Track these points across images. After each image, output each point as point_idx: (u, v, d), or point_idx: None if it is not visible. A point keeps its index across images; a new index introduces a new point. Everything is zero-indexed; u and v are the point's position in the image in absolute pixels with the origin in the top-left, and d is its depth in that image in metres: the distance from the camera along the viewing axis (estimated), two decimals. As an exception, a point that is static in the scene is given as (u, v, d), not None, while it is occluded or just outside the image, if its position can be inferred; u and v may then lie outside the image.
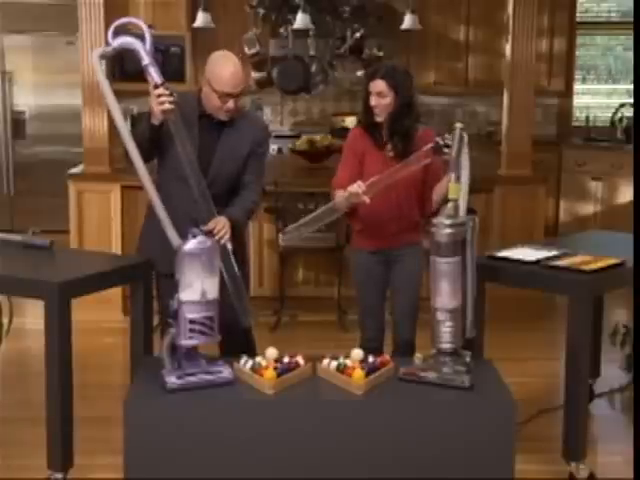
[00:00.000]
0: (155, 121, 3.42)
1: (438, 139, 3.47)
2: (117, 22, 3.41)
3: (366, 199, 3.54)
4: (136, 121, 8.13)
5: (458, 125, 3.35)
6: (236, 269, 3.52)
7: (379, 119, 3.76)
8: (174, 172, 3.53)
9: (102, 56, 3.39)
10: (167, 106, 3.34)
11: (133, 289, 3.68)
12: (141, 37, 3.36)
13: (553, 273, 3.61)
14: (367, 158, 3.81)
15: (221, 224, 3.46)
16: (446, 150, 3.41)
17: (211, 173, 3.58)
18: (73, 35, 6.63)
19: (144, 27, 3.41)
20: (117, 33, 3.37)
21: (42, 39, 8.26)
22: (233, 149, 3.64)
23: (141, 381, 3.22)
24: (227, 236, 3.47)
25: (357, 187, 3.55)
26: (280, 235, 3.71)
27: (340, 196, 3.65)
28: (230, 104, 3.53)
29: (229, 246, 3.48)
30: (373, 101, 3.72)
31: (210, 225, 3.42)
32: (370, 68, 3.84)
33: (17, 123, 8.42)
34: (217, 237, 3.40)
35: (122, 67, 7.38)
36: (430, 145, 3.48)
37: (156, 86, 3.35)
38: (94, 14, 5.65)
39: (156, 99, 3.35)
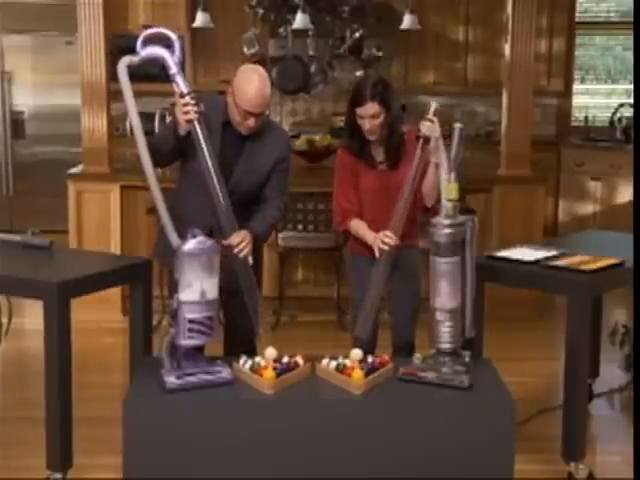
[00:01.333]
0: (181, 131, 3.38)
1: (420, 134, 3.47)
2: (147, 31, 3.39)
3: (398, 241, 3.54)
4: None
5: (457, 125, 3.35)
6: (255, 283, 3.50)
7: (373, 138, 3.67)
8: (194, 180, 3.48)
9: (129, 65, 3.35)
10: (192, 116, 3.31)
11: (132, 289, 3.69)
12: (168, 46, 3.36)
13: (552, 273, 3.61)
14: (361, 178, 3.74)
15: (241, 237, 3.42)
16: (427, 135, 3.44)
17: (231, 183, 3.51)
18: (72, 35, 6.62)
19: (174, 37, 3.39)
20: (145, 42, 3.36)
21: (41, 39, 8.25)
22: (255, 163, 3.59)
23: (140, 381, 3.22)
24: (247, 250, 3.43)
25: (388, 239, 3.51)
26: (356, 331, 3.63)
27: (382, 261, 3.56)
28: (250, 122, 3.47)
29: (250, 261, 3.45)
30: (367, 124, 3.60)
31: (233, 239, 3.38)
32: (354, 92, 3.65)
33: (16, 123, 8.42)
34: (237, 250, 3.39)
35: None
36: (420, 145, 3.47)
37: (182, 95, 3.32)
38: (93, 14, 5.64)
39: (181, 108, 3.32)
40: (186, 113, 3.31)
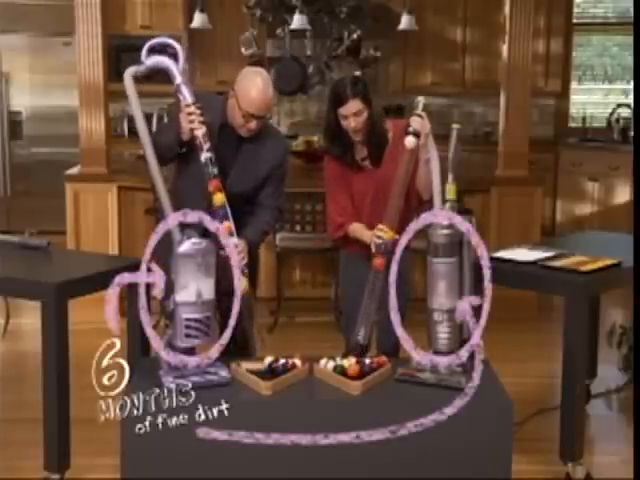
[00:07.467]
0: (184, 137, 3.42)
1: (409, 129, 3.41)
2: (152, 41, 3.42)
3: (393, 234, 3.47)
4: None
5: (455, 126, 3.35)
6: (252, 306, 3.49)
7: (359, 138, 3.64)
8: (192, 178, 3.50)
9: (135, 75, 3.39)
10: (196, 125, 3.34)
11: (130, 290, 3.68)
12: (174, 56, 3.41)
13: (550, 274, 3.61)
14: (352, 182, 3.71)
15: (240, 248, 3.40)
16: (417, 130, 3.40)
17: (225, 185, 3.48)
18: (70, 36, 6.63)
19: (178, 47, 3.44)
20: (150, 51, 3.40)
21: (39, 40, 8.25)
22: (251, 167, 3.59)
23: (138, 382, 3.22)
24: (244, 261, 3.43)
25: (380, 232, 3.47)
26: (358, 338, 3.57)
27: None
28: (251, 125, 3.47)
29: (245, 270, 3.43)
30: (352, 123, 3.56)
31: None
32: (334, 93, 3.61)
33: (14, 124, 8.42)
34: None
35: (117, 68, 7.38)
36: (407, 139, 3.41)
37: (187, 105, 3.36)
38: (91, 15, 5.64)
39: (186, 117, 3.36)
40: (191, 122, 3.34)
